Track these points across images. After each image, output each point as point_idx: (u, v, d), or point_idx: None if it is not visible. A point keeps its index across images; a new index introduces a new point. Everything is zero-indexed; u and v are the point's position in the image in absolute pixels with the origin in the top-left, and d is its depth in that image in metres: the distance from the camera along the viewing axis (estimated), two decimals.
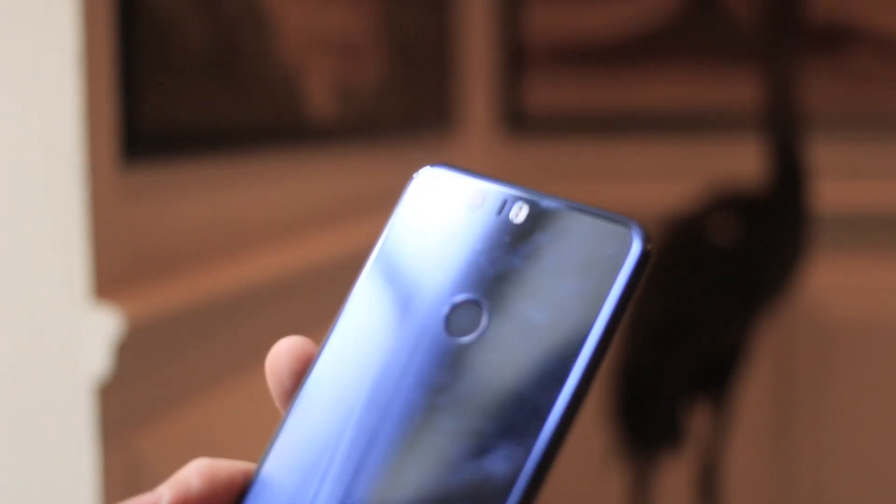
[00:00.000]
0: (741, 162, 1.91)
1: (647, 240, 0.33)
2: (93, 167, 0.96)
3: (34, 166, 0.96)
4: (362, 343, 0.35)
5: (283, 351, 0.37)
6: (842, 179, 2.04)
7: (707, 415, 1.84)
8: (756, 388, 2.05)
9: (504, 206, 0.35)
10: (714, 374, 1.84)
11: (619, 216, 0.34)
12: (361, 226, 1.56)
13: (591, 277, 0.33)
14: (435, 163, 0.38)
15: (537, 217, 0.35)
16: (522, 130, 2.27)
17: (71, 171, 0.95)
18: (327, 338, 0.36)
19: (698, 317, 1.77)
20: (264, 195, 1.37)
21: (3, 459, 1.00)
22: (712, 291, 1.77)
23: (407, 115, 1.91)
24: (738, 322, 1.80)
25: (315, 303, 1.42)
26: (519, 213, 0.35)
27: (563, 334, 0.33)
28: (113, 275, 1.00)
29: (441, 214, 0.36)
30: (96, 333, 0.96)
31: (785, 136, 1.75)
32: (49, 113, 0.95)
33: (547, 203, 0.35)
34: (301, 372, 0.36)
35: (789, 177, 1.75)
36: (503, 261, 0.34)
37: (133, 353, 0.99)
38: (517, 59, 2.28)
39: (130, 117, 1.06)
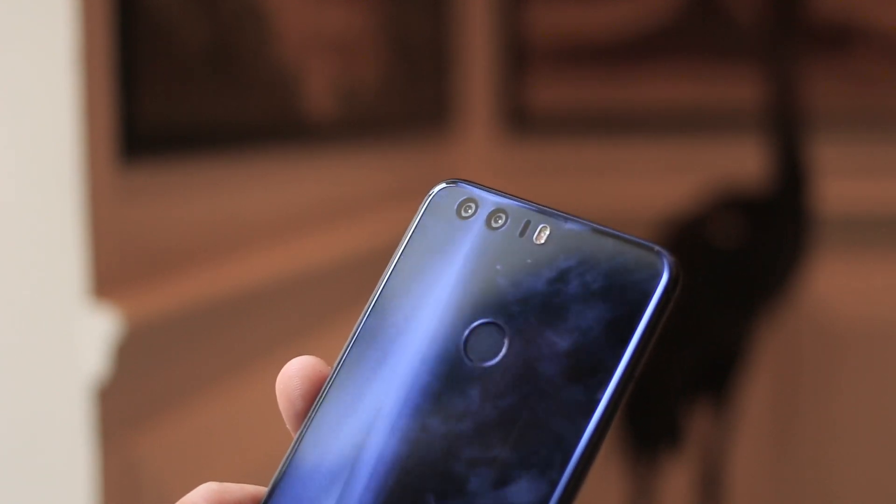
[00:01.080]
0: (743, 162, 1.90)
1: (676, 267, 0.32)
2: (91, 166, 0.95)
3: (32, 165, 0.95)
4: (378, 366, 0.34)
5: (295, 371, 0.35)
6: (845, 179, 2.03)
7: (709, 416, 1.84)
8: (760, 390, 2.05)
9: (527, 227, 0.34)
10: (716, 374, 1.83)
11: (646, 242, 0.32)
12: (362, 225, 1.56)
13: (618, 305, 0.32)
14: (450, 177, 0.36)
15: (561, 239, 0.33)
16: (523, 129, 2.27)
17: (69, 170, 0.95)
18: (341, 359, 0.35)
19: (700, 317, 1.77)
20: (263, 195, 1.36)
21: (1, 461, 0.99)
22: (714, 291, 1.76)
23: (407, 114, 1.90)
24: (740, 322, 1.80)
25: (315, 303, 1.41)
26: (542, 235, 0.34)
27: (589, 364, 0.32)
28: (111, 275, 0.99)
29: (460, 233, 0.35)
30: (94, 334, 0.96)
31: (787, 135, 1.74)
32: (47, 112, 0.94)
33: (571, 225, 0.33)
34: (313, 393, 0.35)
35: (792, 177, 1.74)
36: (525, 284, 0.33)
37: (132, 354, 0.98)
38: (518, 58, 2.27)
39: (129, 116, 1.05)
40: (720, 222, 1.78)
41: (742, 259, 1.77)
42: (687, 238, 1.81)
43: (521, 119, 2.27)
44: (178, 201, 1.17)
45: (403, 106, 1.87)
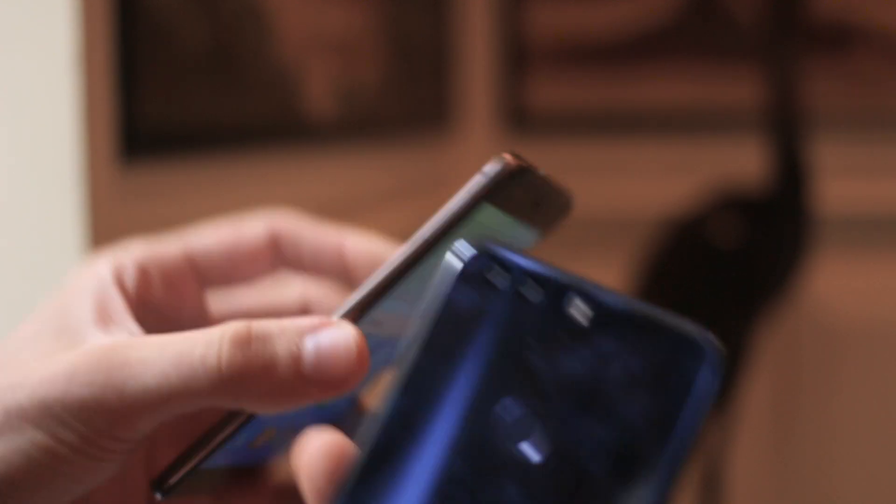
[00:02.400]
0: (743, 162, 1.90)
1: (720, 354, 0.31)
2: (91, 166, 0.95)
3: (32, 166, 0.95)
4: (406, 447, 0.32)
5: (317, 453, 0.34)
6: (845, 179, 2.03)
7: (709, 416, 1.84)
8: (760, 391, 2.05)
9: (564, 301, 0.32)
10: None
11: (689, 325, 0.31)
12: (362, 225, 1.56)
13: (661, 394, 0.31)
14: (484, 242, 0.33)
15: (600, 317, 0.32)
16: (523, 129, 2.27)
17: (69, 170, 0.95)
18: (371, 442, 0.32)
19: (699, 318, 1.76)
20: (264, 195, 1.36)
21: None
22: (714, 292, 1.76)
23: (407, 114, 1.90)
24: (740, 323, 1.80)
25: None
26: (580, 310, 0.32)
27: (631, 455, 0.30)
28: None
29: (490, 303, 0.32)
30: None
31: (787, 135, 1.74)
32: (47, 112, 0.94)
33: (611, 301, 0.32)
34: (338, 472, 0.33)
35: (791, 177, 1.74)
36: (560, 364, 0.31)
37: None
38: (518, 57, 2.27)
39: (129, 116, 1.05)
40: (720, 222, 1.78)
41: (742, 259, 1.77)
42: (687, 238, 1.81)
43: (521, 119, 2.27)
44: (178, 201, 1.17)
45: (403, 106, 1.87)
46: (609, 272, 1.99)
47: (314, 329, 0.37)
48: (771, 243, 1.76)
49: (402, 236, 0.37)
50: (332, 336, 0.37)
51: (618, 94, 2.24)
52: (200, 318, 0.46)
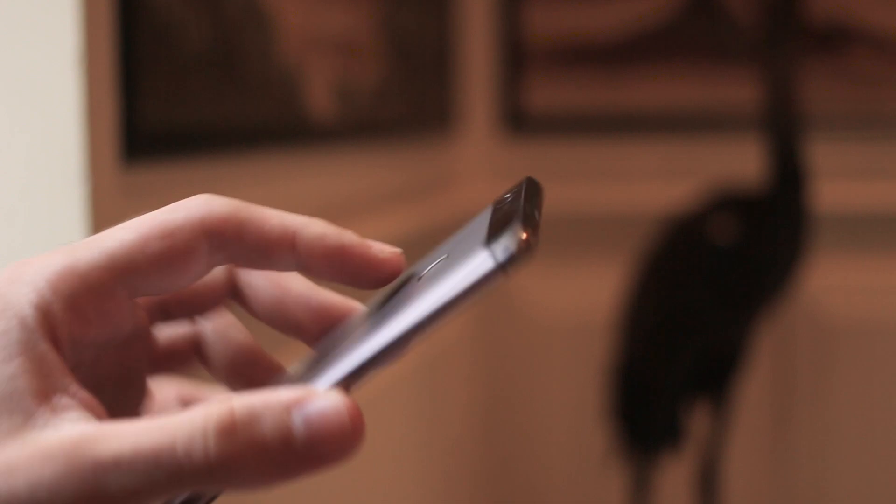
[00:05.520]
0: (741, 162, 1.91)
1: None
2: (93, 167, 0.96)
3: (35, 165, 0.96)
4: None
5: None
6: (841, 179, 2.04)
7: (707, 415, 1.85)
8: (756, 389, 2.06)
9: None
10: (714, 374, 1.84)
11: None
12: (362, 226, 1.56)
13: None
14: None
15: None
16: (522, 130, 2.27)
17: (71, 171, 0.95)
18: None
19: (698, 317, 1.77)
20: (264, 195, 1.37)
21: None
22: (712, 291, 1.77)
23: (407, 115, 1.91)
24: (738, 322, 1.80)
25: None
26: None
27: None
28: None
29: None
30: None
31: (785, 136, 1.75)
32: (49, 112, 0.95)
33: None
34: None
35: (789, 177, 1.75)
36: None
37: None
38: (517, 58, 2.28)
39: (131, 117, 1.06)
40: (718, 222, 1.79)
41: (739, 259, 1.78)
42: (685, 238, 1.82)
43: (520, 120, 2.28)
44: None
45: (404, 107, 1.88)
46: (609, 271, 1.99)
47: (300, 402, 0.35)
48: (768, 242, 1.76)
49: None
50: (321, 407, 0.35)
51: (616, 95, 2.24)
52: (136, 336, 0.44)
